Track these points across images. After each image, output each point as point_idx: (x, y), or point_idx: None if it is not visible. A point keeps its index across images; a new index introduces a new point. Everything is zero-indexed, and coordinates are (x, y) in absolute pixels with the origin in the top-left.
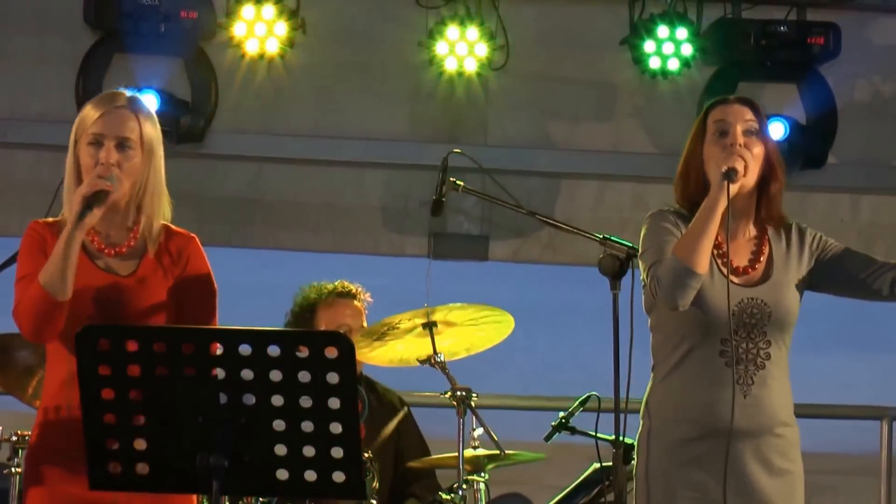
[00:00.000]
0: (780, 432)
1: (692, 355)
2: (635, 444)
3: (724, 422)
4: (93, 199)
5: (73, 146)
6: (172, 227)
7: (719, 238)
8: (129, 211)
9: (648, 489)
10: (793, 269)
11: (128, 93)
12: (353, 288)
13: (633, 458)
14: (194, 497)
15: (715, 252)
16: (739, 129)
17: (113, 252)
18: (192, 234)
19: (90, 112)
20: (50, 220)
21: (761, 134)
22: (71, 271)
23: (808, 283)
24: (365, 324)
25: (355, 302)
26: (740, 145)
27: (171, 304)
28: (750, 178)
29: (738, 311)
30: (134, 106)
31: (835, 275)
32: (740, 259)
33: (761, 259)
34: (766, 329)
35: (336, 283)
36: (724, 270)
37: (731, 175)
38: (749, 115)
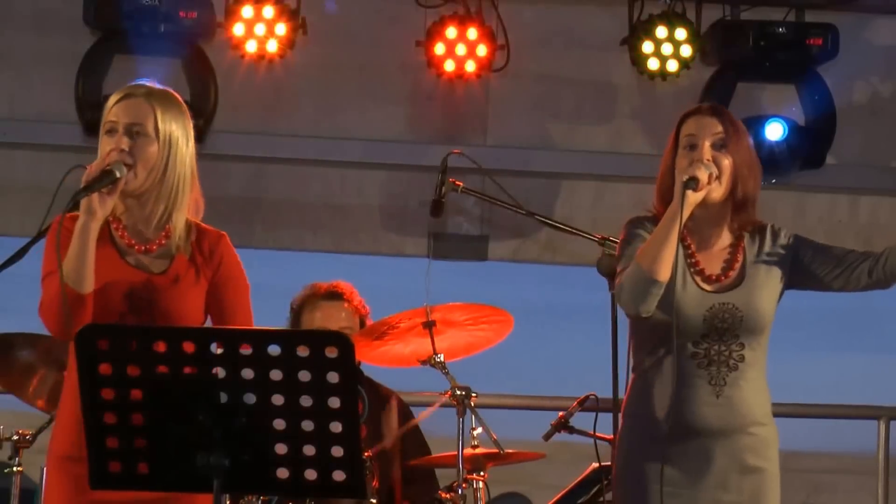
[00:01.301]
0: (753, 431)
1: (665, 358)
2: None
3: (696, 421)
4: (93, 183)
5: (100, 133)
6: (202, 224)
7: (692, 248)
8: (155, 206)
9: (624, 486)
10: (766, 272)
11: (155, 85)
12: (341, 289)
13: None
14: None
15: (688, 260)
16: (707, 143)
17: (143, 248)
18: (223, 232)
19: (111, 101)
20: (76, 213)
21: (731, 144)
22: (90, 262)
23: (788, 283)
24: (357, 324)
25: (342, 304)
26: (708, 160)
27: (204, 304)
28: (718, 190)
29: (709, 317)
30: (152, 96)
31: (813, 271)
32: (713, 267)
33: (735, 266)
34: (738, 332)
35: (325, 285)
36: (697, 278)
37: (690, 184)
38: (718, 127)
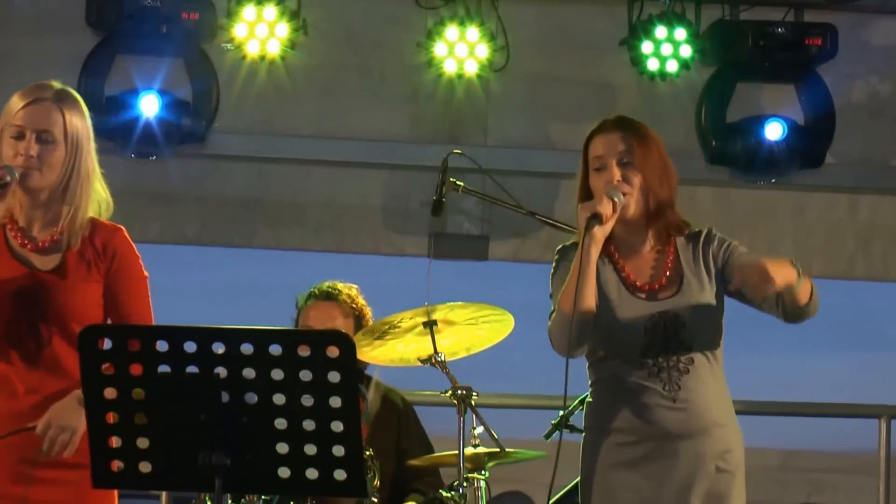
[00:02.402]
0: (714, 433)
1: (615, 370)
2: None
3: (656, 426)
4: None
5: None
6: (99, 220)
7: (620, 261)
8: (52, 206)
9: (589, 495)
10: (702, 276)
11: (57, 85)
12: (337, 289)
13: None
14: (115, 493)
15: (619, 275)
16: (614, 162)
17: (33, 247)
18: (119, 226)
19: (15, 103)
20: None
21: (638, 158)
22: None
23: (723, 289)
24: (352, 324)
25: (336, 303)
26: (617, 181)
27: (101, 299)
28: (631, 207)
29: (650, 327)
30: (59, 99)
31: (736, 285)
32: (643, 276)
33: (665, 272)
34: (682, 338)
35: (325, 284)
36: (630, 290)
37: (592, 222)
38: (621, 144)
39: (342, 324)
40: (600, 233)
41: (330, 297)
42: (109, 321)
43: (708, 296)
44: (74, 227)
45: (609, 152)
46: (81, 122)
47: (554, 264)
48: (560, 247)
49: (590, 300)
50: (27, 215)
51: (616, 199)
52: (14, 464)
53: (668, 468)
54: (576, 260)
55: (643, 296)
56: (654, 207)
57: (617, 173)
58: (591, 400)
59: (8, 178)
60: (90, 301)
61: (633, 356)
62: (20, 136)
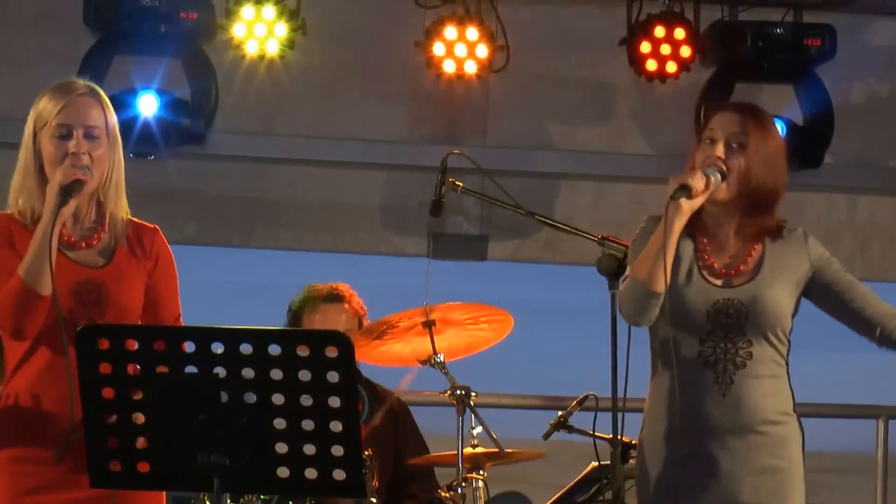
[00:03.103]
0: (764, 430)
1: (673, 356)
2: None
3: (704, 420)
4: (70, 189)
5: (31, 138)
6: (135, 220)
7: (704, 242)
8: (93, 202)
9: (641, 488)
10: (786, 272)
11: (83, 82)
12: (341, 291)
13: (631, 457)
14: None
15: (697, 254)
16: (722, 142)
17: (84, 245)
18: (156, 226)
19: (49, 103)
20: (6, 212)
21: (751, 143)
22: (51, 264)
23: (805, 292)
24: (356, 325)
25: (343, 305)
26: (719, 157)
27: (143, 297)
28: (723, 191)
29: (713, 312)
30: (95, 94)
31: (831, 300)
32: (722, 262)
33: (747, 261)
34: (744, 329)
35: (324, 287)
36: (704, 273)
37: (677, 194)
38: (736, 126)
39: (351, 326)
40: (686, 205)
41: (338, 299)
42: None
43: (782, 293)
44: (118, 224)
45: (721, 129)
46: (114, 115)
47: (637, 232)
48: (649, 216)
49: (666, 272)
50: (74, 212)
51: (711, 177)
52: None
53: (716, 465)
54: (658, 229)
55: (716, 280)
56: (753, 198)
57: (721, 151)
58: (650, 389)
59: (83, 177)
60: (139, 299)
61: (692, 342)
62: (67, 135)
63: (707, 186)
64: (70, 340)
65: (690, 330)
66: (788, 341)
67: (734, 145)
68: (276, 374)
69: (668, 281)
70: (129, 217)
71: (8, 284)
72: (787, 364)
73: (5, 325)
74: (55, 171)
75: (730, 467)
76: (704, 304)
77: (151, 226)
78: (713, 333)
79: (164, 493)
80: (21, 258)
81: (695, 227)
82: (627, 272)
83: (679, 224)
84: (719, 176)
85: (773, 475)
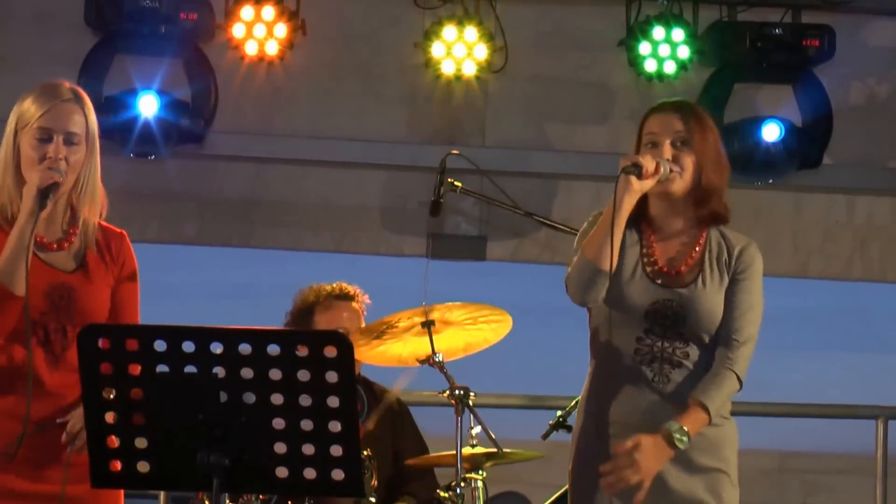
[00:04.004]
0: (701, 430)
1: (611, 352)
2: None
3: (639, 418)
4: (47, 191)
5: (11, 136)
6: (103, 223)
7: (651, 238)
8: (66, 206)
9: (573, 486)
10: (720, 278)
11: (68, 84)
12: (350, 290)
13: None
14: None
15: (643, 251)
16: (667, 141)
17: (56, 247)
18: (123, 231)
19: (33, 105)
20: None
21: (695, 141)
22: (26, 263)
23: None
24: (363, 325)
25: (353, 304)
26: (668, 159)
27: (109, 302)
28: (679, 183)
29: (651, 311)
30: (79, 100)
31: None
32: (665, 258)
33: (688, 262)
34: (681, 330)
35: (334, 285)
36: (648, 270)
37: (631, 170)
38: (678, 124)
39: (359, 323)
40: (637, 184)
41: (348, 297)
42: None
43: (718, 296)
44: (89, 227)
45: (664, 131)
46: (95, 121)
47: (585, 224)
48: (595, 212)
49: (614, 251)
50: (49, 214)
51: (661, 165)
52: (44, 461)
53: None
54: (608, 208)
55: (658, 279)
56: (704, 191)
57: (669, 151)
58: (586, 384)
59: (59, 179)
60: (107, 304)
61: (630, 339)
62: (48, 139)
63: (657, 171)
64: (38, 342)
65: (629, 326)
66: None
67: (679, 144)
68: (276, 374)
69: (615, 261)
70: (100, 221)
71: None
72: None
73: None
74: (31, 172)
75: (665, 466)
76: (644, 301)
77: (119, 230)
78: (651, 332)
79: (122, 492)
80: None
81: (642, 221)
82: (576, 255)
83: (628, 203)
84: (668, 168)
85: (709, 475)
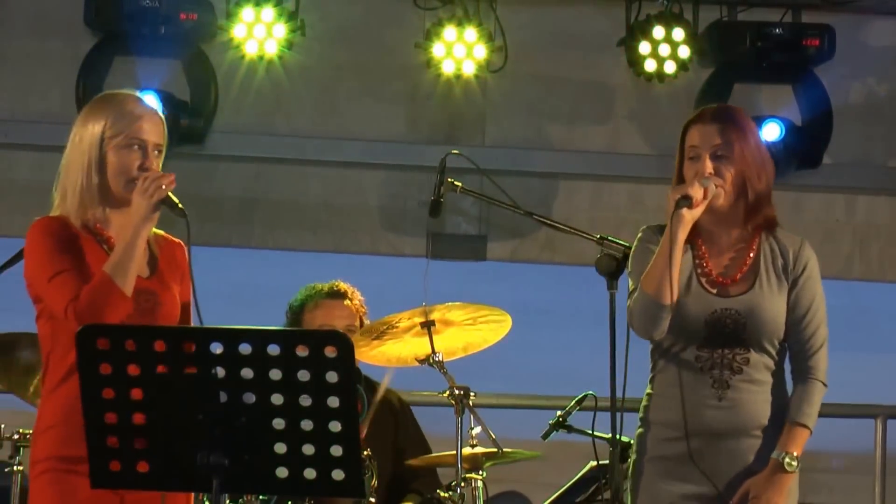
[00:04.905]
0: (758, 434)
1: (672, 361)
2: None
3: (701, 424)
4: (162, 202)
5: (97, 144)
6: (161, 232)
7: (703, 249)
8: None
9: (636, 488)
10: (778, 282)
11: (142, 96)
12: (343, 288)
13: (630, 457)
14: (192, 495)
15: (696, 261)
16: (707, 155)
17: None
18: (181, 241)
19: (133, 111)
20: (60, 215)
21: (735, 150)
22: (137, 265)
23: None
24: (358, 323)
25: (345, 302)
26: (709, 173)
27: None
28: (721, 197)
29: (711, 321)
30: (159, 112)
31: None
32: (720, 268)
33: (743, 270)
34: (742, 337)
35: (327, 284)
36: (703, 281)
37: (682, 203)
38: (717, 137)
39: (353, 322)
40: (689, 215)
41: (339, 295)
42: None
43: (777, 300)
44: (151, 235)
45: (704, 144)
46: None
47: (636, 243)
48: (644, 227)
49: (674, 284)
50: (117, 223)
51: (707, 187)
52: None
53: (712, 468)
54: (664, 241)
55: (713, 289)
56: (751, 201)
57: (709, 166)
58: (649, 391)
59: (170, 191)
60: (179, 308)
61: (690, 348)
62: (141, 148)
63: (705, 196)
64: None
65: (688, 337)
66: (785, 347)
67: (720, 154)
68: (276, 375)
69: (677, 293)
70: (155, 230)
71: (94, 284)
72: (783, 369)
73: (86, 321)
74: (127, 183)
75: (723, 470)
76: (703, 313)
77: (177, 240)
78: (711, 341)
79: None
80: (84, 261)
81: (693, 234)
82: (631, 285)
83: (682, 234)
84: (713, 185)
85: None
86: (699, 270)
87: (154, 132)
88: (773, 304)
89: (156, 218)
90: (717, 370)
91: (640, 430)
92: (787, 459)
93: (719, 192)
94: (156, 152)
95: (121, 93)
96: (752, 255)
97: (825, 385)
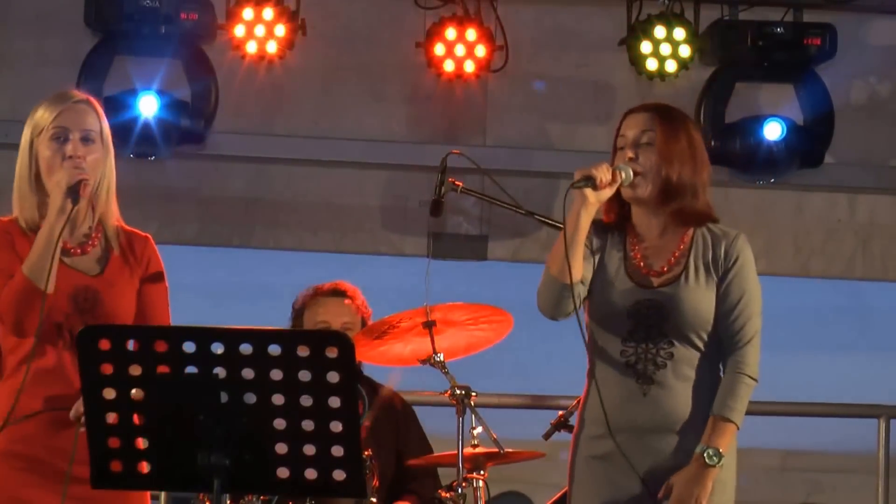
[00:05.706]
0: (684, 431)
1: (601, 356)
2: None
3: (625, 419)
4: (76, 188)
5: (27, 147)
6: (126, 227)
7: (633, 240)
8: (89, 209)
9: (570, 484)
10: (706, 276)
11: (78, 91)
12: (344, 287)
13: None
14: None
15: (625, 254)
16: (631, 141)
17: (80, 251)
18: (148, 235)
19: (46, 111)
20: (9, 217)
21: (660, 139)
22: (55, 263)
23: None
24: (359, 323)
25: (345, 301)
26: (630, 158)
27: (135, 305)
28: (644, 187)
29: (633, 313)
30: (90, 103)
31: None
32: (647, 260)
33: (670, 262)
34: (665, 330)
35: (327, 284)
36: (629, 272)
37: (578, 184)
38: (645, 124)
39: (354, 321)
40: (593, 196)
41: (340, 294)
42: None
43: (704, 293)
44: (110, 231)
45: (630, 131)
46: (107, 125)
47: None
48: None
49: (576, 263)
50: (72, 218)
51: (620, 171)
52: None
53: (637, 463)
54: (567, 220)
55: (638, 280)
56: (673, 188)
57: (630, 151)
58: (584, 386)
59: (86, 176)
60: (132, 307)
61: (616, 342)
62: (63, 139)
63: (614, 179)
64: (65, 345)
65: (613, 329)
66: (712, 342)
67: (643, 142)
68: (276, 375)
69: (579, 274)
70: (121, 224)
71: (12, 283)
72: (716, 365)
73: (8, 322)
74: (52, 174)
75: (648, 467)
76: (625, 304)
77: (144, 234)
78: (634, 334)
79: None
80: (21, 261)
81: (624, 226)
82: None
83: (586, 216)
84: (630, 172)
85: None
86: (626, 262)
87: (75, 120)
88: (697, 297)
89: (69, 210)
90: (640, 365)
91: (576, 428)
92: (708, 453)
93: (638, 181)
94: (82, 138)
95: (52, 94)
96: (681, 247)
97: (754, 379)
